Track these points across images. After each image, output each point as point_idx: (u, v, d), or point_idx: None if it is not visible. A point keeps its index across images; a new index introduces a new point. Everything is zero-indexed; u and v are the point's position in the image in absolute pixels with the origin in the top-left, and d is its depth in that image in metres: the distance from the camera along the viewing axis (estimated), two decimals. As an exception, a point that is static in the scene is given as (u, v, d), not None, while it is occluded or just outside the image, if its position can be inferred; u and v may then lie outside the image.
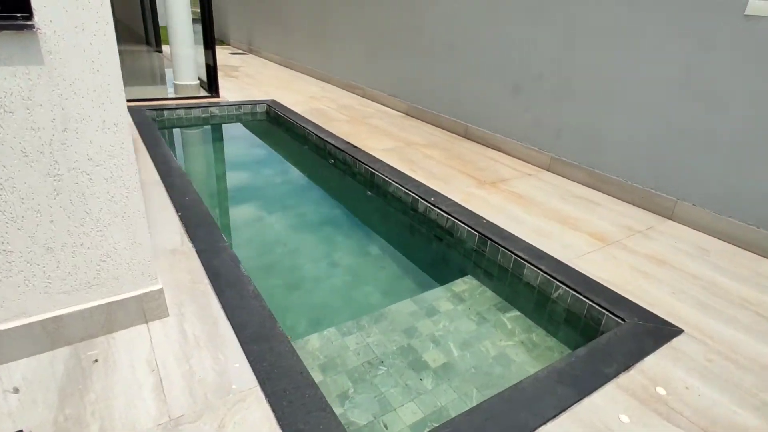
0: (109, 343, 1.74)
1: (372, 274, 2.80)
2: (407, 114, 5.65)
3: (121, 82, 1.47)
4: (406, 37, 5.45)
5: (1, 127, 1.35)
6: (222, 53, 10.10)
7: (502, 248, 2.66)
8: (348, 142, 4.33)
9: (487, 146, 4.57)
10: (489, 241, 2.74)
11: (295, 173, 4.27)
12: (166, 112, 5.10)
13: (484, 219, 2.95)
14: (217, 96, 5.72)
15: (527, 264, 2.52)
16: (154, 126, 4.54)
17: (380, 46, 5.94)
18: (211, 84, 5.70)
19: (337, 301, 2.56)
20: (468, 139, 4.79)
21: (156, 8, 10.08)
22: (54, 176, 1.47)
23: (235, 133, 5.35)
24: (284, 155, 4.71)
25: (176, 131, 5.06)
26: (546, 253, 2.61)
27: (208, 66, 5.64)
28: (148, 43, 10.63)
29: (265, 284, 2.60)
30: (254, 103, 5.64)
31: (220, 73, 7.48)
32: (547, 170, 4.01)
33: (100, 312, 1.73)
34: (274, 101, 5.77)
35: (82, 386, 1.55)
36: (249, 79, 7.26)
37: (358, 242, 3.13)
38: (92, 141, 1.49)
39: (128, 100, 5.16)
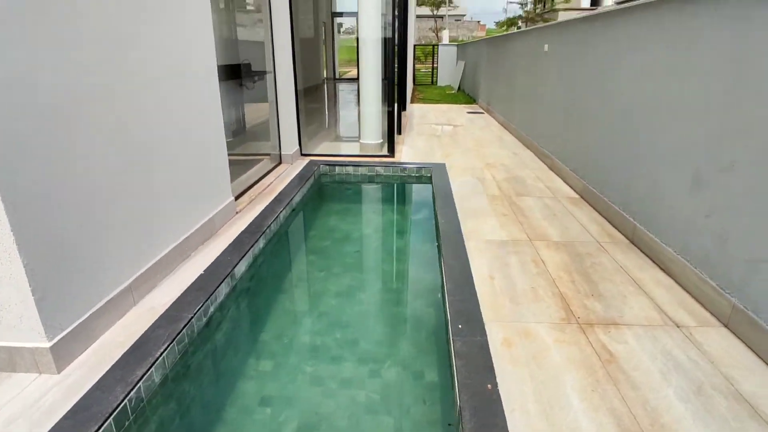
0: (2, 380, 1.97)
1: (342, 407, 2.20)
2: (581, 196, 4.39)
3: (-12, 164, 1.66)
4: (592, 104, 4.29)
5: None
6: (460, 111, 10.45)
7: (466, 442, 1.67)
8: (454, 225, 3.68)
9: (654, 262, 3.04)
10: (460, 425, 1.77)
11: (372, 251, 3.92)
12: (337, 168, 5.60)
13: (491, 384, 1.93)
14: (392, 156, 5.90)
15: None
16: (310, 179, 5.05)
17: (571, 112, 4.88)
18: (389, 143, 5.93)
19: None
20: (633, 244, 3.31)
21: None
22: (-44, 234, 1.79)
23: (379, 195, 5.38)
24: (393, 227, 4.40)
25: (333, 186, 5.47)
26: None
27: (389, 125, 5.91)
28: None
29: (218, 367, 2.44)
30: (420, 167, 5.53)
31: (432, 131, 7.72)
32: (724, 326, 2.34)
33: (4, 351, 1.98)
34: (442, 166, 5.52)
35: (-62, 415, 1.79)
36: (450, 139, 7.21)
37: (357, 359, 2.55)
38: (-26, 209, 1.74)
39: (315, 155, 5.93)
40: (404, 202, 5.20)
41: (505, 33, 8.52)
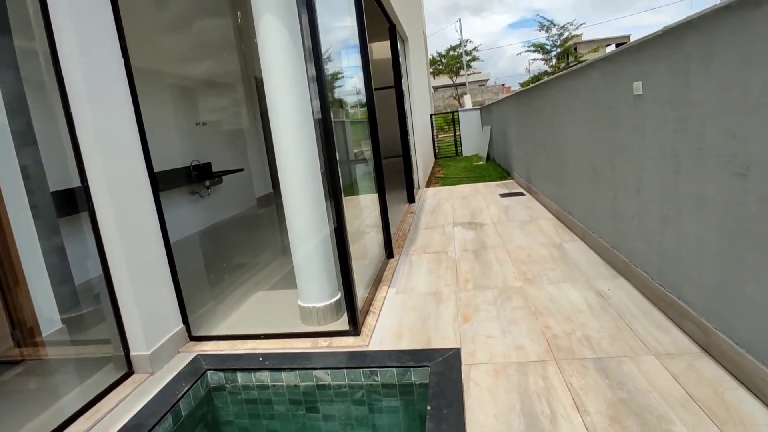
0: None
1: None
2: None
3: None
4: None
5: None
6: (490, 193, 7.58)
7: None
8: None
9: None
10: None
11: None
12: (239, 375, 2.75)
13: None
14: (355, 333, 3.00)
15: None
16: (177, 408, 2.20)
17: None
18: (350, 312, 3.05)
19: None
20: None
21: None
22: None
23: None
24: None
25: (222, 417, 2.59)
26: None
27: (342, 271, 3.07)
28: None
29: None
30: (404, 368, 2.59)
31: (442, 244, 4.73)
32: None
33: None
34: (451, 360, 2.56)
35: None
36: (474, 260, 4.26)
37: None
38: None
39: (215, 337, 3.15)
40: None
41: (545, 79, 5.82)
